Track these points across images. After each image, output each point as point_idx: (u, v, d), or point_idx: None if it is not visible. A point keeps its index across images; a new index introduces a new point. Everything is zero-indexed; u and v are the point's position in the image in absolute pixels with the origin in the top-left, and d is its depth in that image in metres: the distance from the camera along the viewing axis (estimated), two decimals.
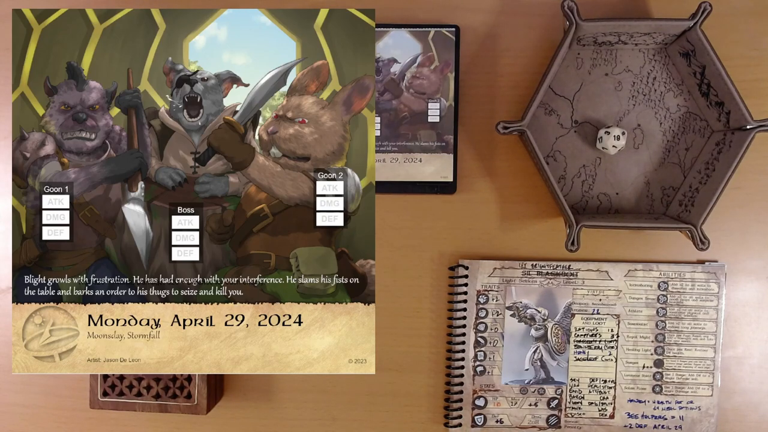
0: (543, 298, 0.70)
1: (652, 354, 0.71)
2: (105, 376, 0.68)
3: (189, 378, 0.68)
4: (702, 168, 0.68)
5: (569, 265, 0.70)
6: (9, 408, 0.75)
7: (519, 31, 0.71)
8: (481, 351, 0.71)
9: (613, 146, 0.67)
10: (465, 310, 0.71)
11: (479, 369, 0.71)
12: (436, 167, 0.69)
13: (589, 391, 0.71)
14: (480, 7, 0.71)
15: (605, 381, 0.71)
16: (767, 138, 0.68)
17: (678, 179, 0.70)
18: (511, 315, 0.71)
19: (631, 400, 0.71)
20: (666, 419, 0.71)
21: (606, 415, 0.71)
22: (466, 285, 0.70)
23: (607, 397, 0.71)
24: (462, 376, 0.71)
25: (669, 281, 0.70)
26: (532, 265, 0.70)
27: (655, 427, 0.71)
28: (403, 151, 0.69)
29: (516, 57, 0.71)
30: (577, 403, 0.71)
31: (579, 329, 0.71)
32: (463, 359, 0.71)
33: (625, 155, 0.70)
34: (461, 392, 0.71)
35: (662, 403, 0.71)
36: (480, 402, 0.71)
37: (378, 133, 0.69)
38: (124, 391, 0.68)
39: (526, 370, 0.71)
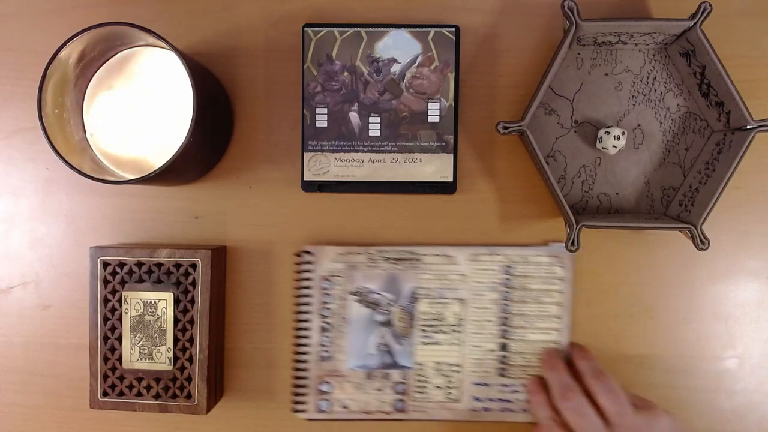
0: (388, 283, 0.70)
1: (497, 338, 0.70)
2: (105, 376, 0.68)
3: (189, 378, 0.68)
4: (702, 168, 0.68)
5: (413, 250, 0.70)
6: (9, 408, 0.75)
7: (519, 31, 0.71)
8: (326, 336, 0.71)
9: (613, 146, 0.67)
10: (310, 296, 0.71)
11: (324, 355, 0.71)
12: (436, 167, 0.69)
13: (435, 375, 0.71)
14: (480, 7, 0.71)
15: (450, 365, 0.70)
16: (767, 138, 0.68)
17: (678, 179, 0.70)
18: (356, 300, 0.70)
19: (476, 384, 0.71)
20: (512, 402, 0.70)
21: (452, 398, 0.71)
22: (309, 271, 0.71)
23: (453, 381, 0.71)
24: (307, 362, 0.71)
25: (514, 265, 0.70)
26: (377, 250, 0.70)
27: (501, 410, 0.70)
28: (403, 151, 0.69)
29: (516, 57, 0.71)
30: (423, 387, 0.70)
31: (424, 314, 0.70)
32: (307, 345, 0.71)
33: (625, 155, 0.70)
34: (307, 378, 0.71)
35: (507, 386, 0.71)
36: (325, 387, 0.71)
37: (378, 133, 0.69)
38: (124, 391, 0.68)
39: (372, 355, 0.70)
